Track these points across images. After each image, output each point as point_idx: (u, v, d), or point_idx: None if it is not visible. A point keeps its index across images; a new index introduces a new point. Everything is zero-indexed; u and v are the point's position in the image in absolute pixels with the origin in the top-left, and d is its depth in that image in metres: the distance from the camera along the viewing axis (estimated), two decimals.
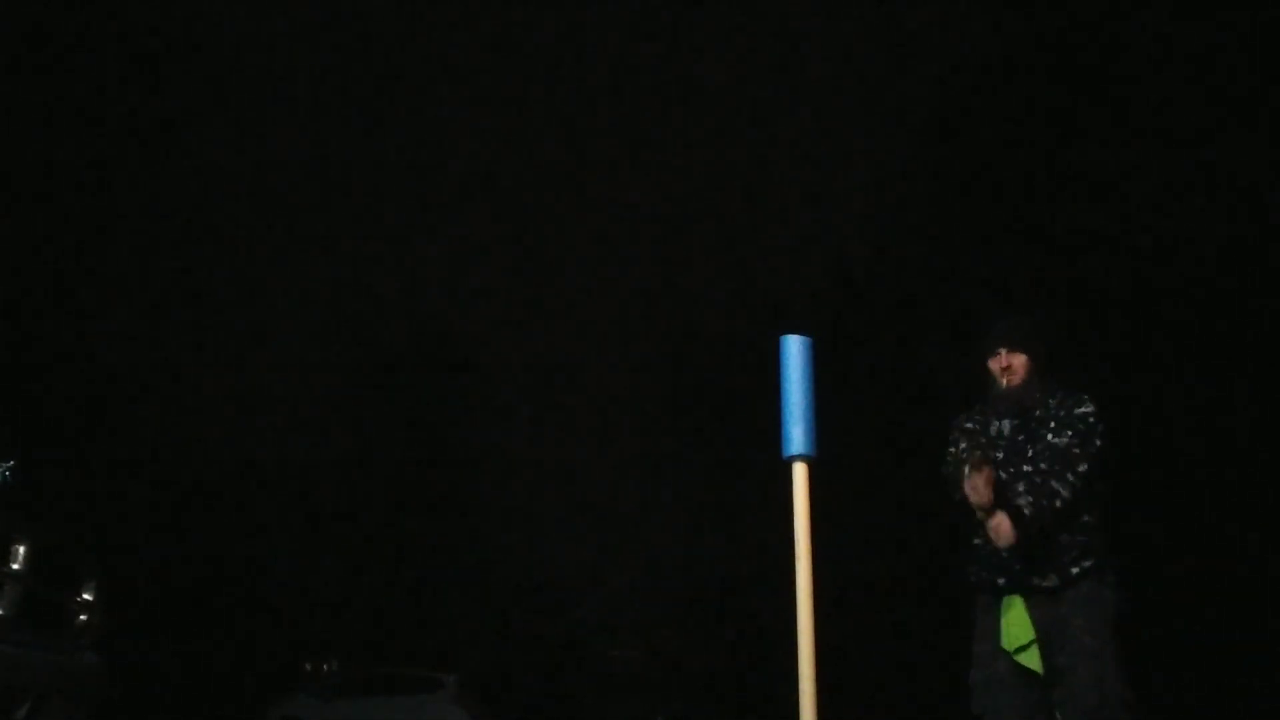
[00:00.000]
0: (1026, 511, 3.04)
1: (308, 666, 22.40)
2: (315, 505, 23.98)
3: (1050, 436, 3.20)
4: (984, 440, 3.34)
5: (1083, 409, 3.22)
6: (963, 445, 3.33)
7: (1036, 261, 16.36)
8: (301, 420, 25.05)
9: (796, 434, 2.12)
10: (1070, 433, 3.18)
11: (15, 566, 3.04)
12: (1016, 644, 3.06)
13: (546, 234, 35.03)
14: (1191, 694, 12.35)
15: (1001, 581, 3.17)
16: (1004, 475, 3.19)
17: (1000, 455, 3.25)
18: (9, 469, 3.57)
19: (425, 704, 13.67)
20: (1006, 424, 3.33)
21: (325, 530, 24.14)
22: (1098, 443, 3.17)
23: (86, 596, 3.55)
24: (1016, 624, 3.08)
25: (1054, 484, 3.10)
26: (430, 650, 21.23)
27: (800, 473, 2.11)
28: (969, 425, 3.45)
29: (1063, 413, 3.23)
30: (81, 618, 3.51)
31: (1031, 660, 3.04)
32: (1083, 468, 3.13)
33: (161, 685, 17.33)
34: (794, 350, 2.19)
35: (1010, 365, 3.30)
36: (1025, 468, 3.21)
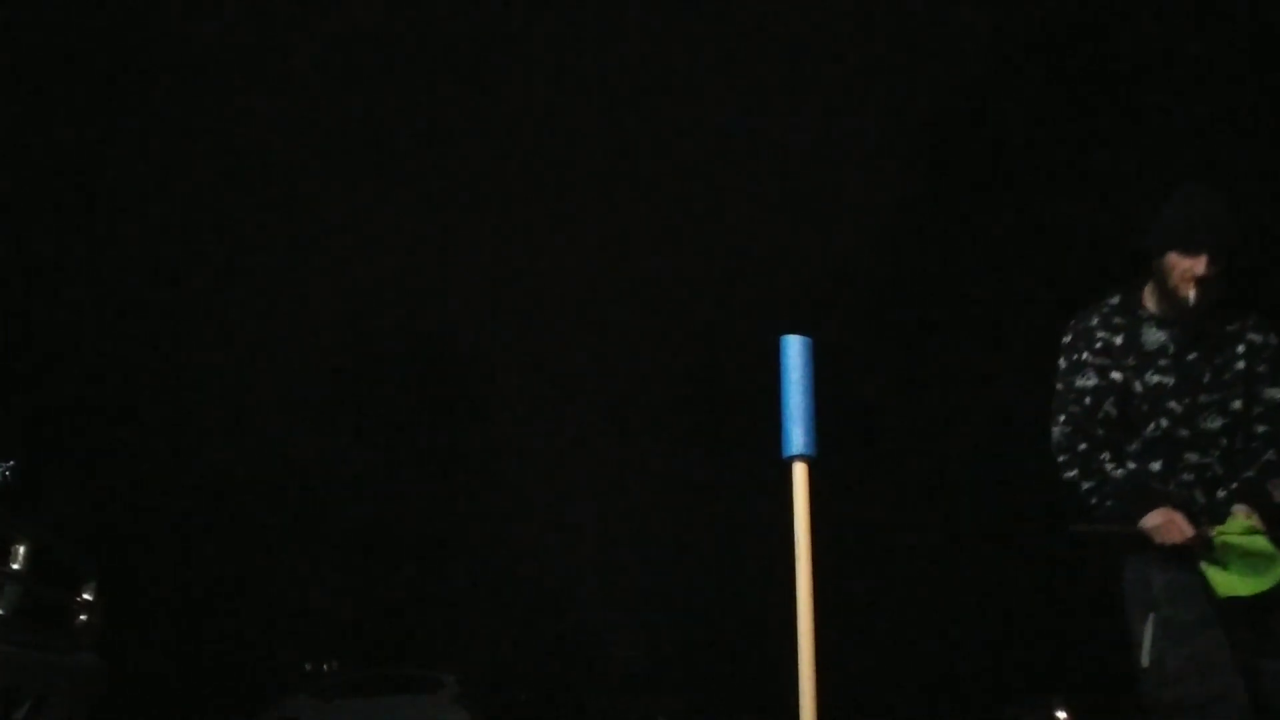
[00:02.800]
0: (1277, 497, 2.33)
1: (308, 666, 22.41)
2: (316, 506, 23.99)
3: (1269, 387, 2.43)
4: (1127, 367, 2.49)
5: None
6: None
7: (1037, 262, 16.36)
8: (302, 421, 25.07)
9: (796, 434, 2.11)
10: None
11: (15, 566, 3.04)
12: (1259, 582, 2.25)
13: (547, 237, 35.05)
14: None
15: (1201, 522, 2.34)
16: (1176, 407, 2.44)
17: (1169, 380, 2.46)
18: (9, 469, 3.56)
19: (425, 704, 13.66)
20: (1167, 336, 2.49)
21: (326, 531, 24.15)
22: None
23: (86, 596, 3.55)
24: (1243, 551, 2.27)
25: None
26: (430, 650, 21.25)
27: (800, 473, 2.11)
28: (1103, 338, 2.55)
29: (1263, 340, 2.48)
30: (81, 618, 3.51)
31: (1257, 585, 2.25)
32: None
33: (161, 685, 17.32)
34: (794, 350, 2.19)
35: (1212, 276, 2.37)
36: (1202, 398, 2.43)
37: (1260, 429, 2.43)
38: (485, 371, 28.20)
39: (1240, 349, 2.45)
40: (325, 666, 22.48)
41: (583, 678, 25.56)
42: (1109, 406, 2.52)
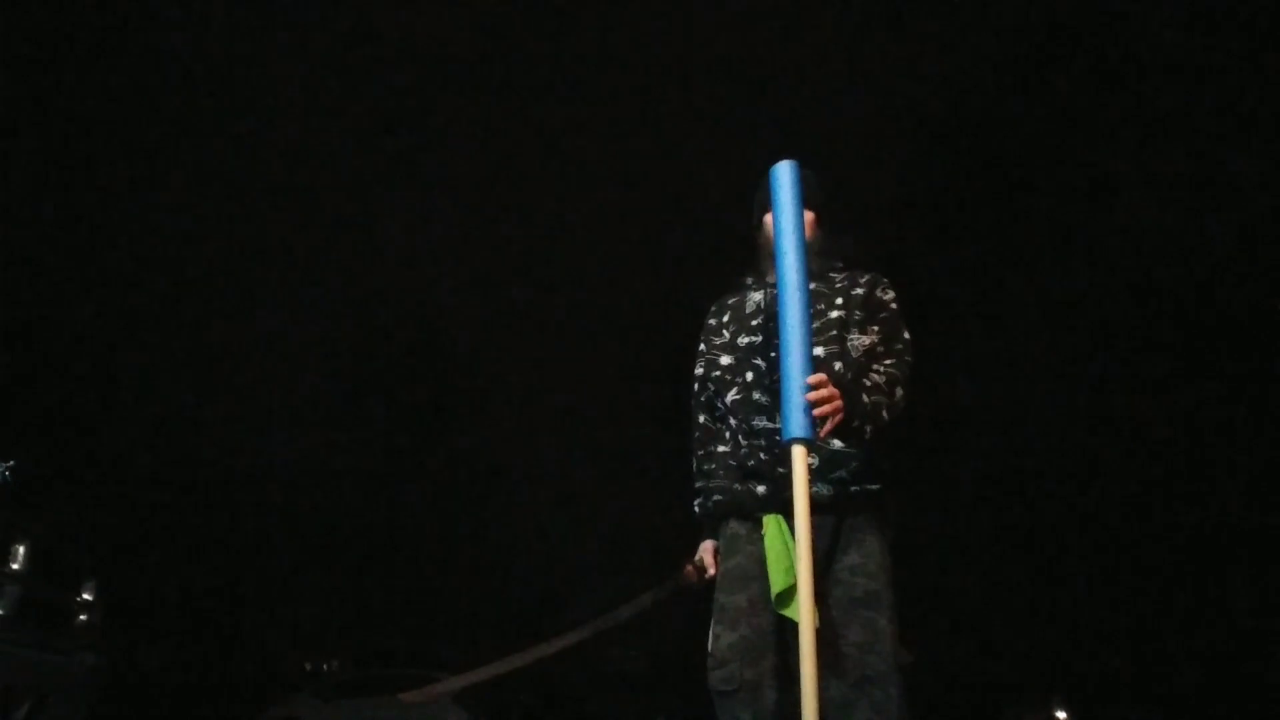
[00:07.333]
0: (866, 399, 2.24)
1: (308, 666, 22.40)
2: (315, 506, 23.99)
3: (859, 335, 2.38)
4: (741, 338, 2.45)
5: (888, 294, 2.45)
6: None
7: (1035, 260, 16.35)
8: (301, 421, 25.08)
9: (796, 417, 2.13)
10: (877, 328, 2.40)
11: (15, 566, 3.04)
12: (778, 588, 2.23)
13: (543, 238, 35.03)
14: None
15: (761, 490, 2.35)
16: (760, 363, 2.40)
17: (758, 338, 2.43)
18: (9, 469, 3.56)
19: (425, 704, 13.65)
20: (762, 296, 2.49)
21: (325, 531, 24.14)
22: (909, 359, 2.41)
23: (86, 596, 3.54)
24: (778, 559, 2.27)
25: (900, 390, 2.33)
26: (430, 650, 21.22)
27: (799, 456, 2.11)
28: (711, 320, 2.56)
29: (866, 293, 2.43)
30: (81, 618, 3.51)
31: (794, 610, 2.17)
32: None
33: (161, 685, 17.32)
34: (792, 325, 2.20)
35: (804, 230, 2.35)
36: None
37: (846, 374, 2.32)
38: (486, 371, 28.20)
39: (839, 300, 2.39)
40: (325, 666, 22.47)
41: (583, 678, 25.54)
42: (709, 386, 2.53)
